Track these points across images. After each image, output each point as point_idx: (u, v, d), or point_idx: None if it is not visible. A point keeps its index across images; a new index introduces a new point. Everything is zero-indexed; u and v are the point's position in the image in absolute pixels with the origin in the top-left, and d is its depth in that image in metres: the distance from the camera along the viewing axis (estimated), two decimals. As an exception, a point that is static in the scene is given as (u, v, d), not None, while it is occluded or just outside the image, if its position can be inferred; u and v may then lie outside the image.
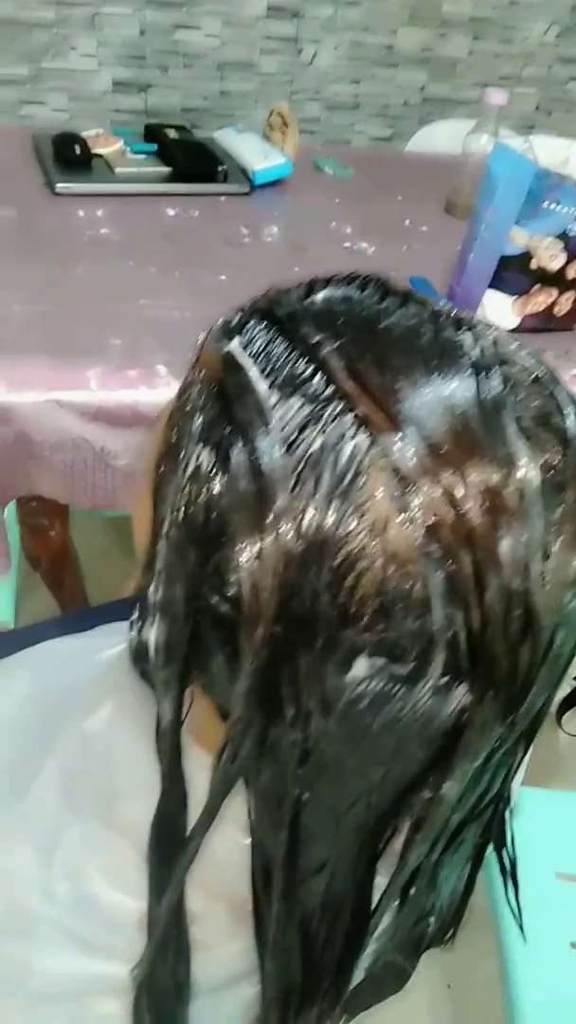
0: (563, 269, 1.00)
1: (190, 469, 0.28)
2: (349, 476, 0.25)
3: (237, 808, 0.32)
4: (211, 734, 0.32)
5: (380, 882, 0.34)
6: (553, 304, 1.04)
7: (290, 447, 0.26)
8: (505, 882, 0.43)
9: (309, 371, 0.27)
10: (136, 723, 0.34)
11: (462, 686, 0.27)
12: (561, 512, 0.27)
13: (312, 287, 0.31)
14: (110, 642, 0.53)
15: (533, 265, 0.99)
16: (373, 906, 0.34)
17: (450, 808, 0.30)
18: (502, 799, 0.37)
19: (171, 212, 1.16)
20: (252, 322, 0.30)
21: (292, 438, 0.26)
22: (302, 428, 0.26)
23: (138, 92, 1.90)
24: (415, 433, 0.26)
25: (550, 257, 0.99)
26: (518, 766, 0.34)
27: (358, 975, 0.39)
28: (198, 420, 0.29)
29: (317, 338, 0.28)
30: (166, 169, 1.24)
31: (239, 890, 0.34)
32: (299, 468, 0.26)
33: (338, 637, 0.26)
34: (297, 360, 0.28)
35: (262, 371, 0.28)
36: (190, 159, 1.25)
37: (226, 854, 0.35)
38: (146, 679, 0.32)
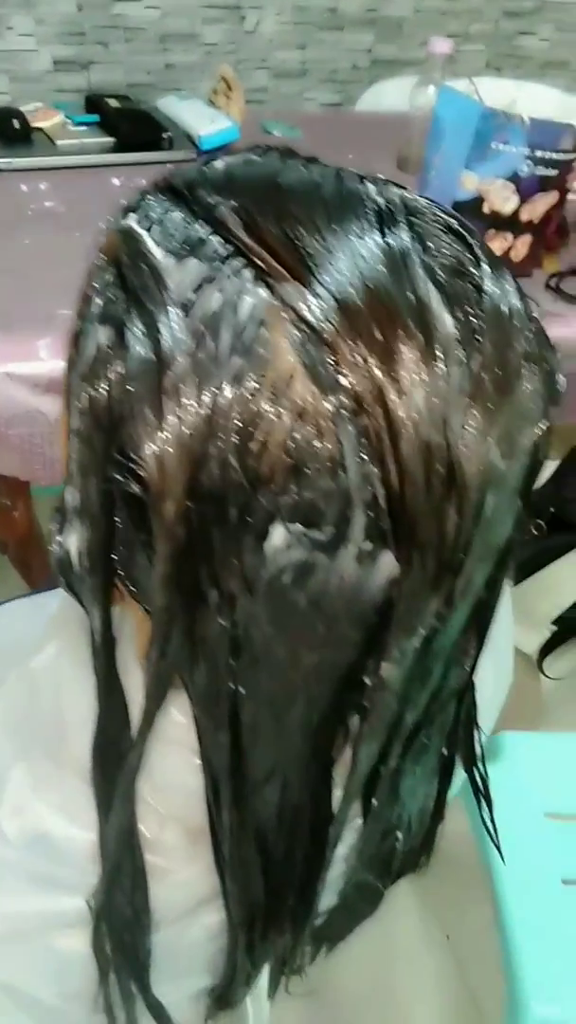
0: (516, 212, 0.99)
1: (91, 351, 0.27)
2: (250, 331, 0.24)
3: (187, 732, 0.32)
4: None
5: (341, 797, 0.33)
6: (509, 249, 1.03)
7: (187, 309, 0.25)
8: (479, 801, 0.42)
9: (206, 232, 0.26)
10: (83, 657, 0.33)
11: (387, 554, 0.26)
12: (479, 363, 0.26)
13: (213, 159, 0.30)
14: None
15: (486, 209, 0.98)
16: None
17: (395, 697, 0.29)
18: (463, 704, 0.36)
19: (116, 182, 1.14)
20: (150, 197, 0.29)
21: (189, 300, 0.25)
22: (199, 288, 0.25)
23: (80, 70, 1.86)
24: (318, 283, 0.24)
25: (502, 200, 0.98)
26: (473, 663, 0.33)
27: (330, 898, 0.38)
28: (97, 302, 0.27)
29: (214, 200, 0.27)
30: (109, 139, 1.21)
31: (193, 813, 0.34)
32: (198, 329, 0.24)
33: (251, 505, 0.25)
34: (194, 223, 0.27)
35: (158, 240, 0.26)
36: (133, 128, 1.22)
37: (177, 777, 0.34)
38: (75, 594, 0.31)
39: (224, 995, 0.41)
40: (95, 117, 1.26)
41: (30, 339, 0.83)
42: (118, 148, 1.20)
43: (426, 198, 0.29)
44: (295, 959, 0.41)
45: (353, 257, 0.25)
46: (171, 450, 0.24)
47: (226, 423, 0.24)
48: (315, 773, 0.33)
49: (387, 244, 0.26)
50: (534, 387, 0.27)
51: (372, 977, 1.05)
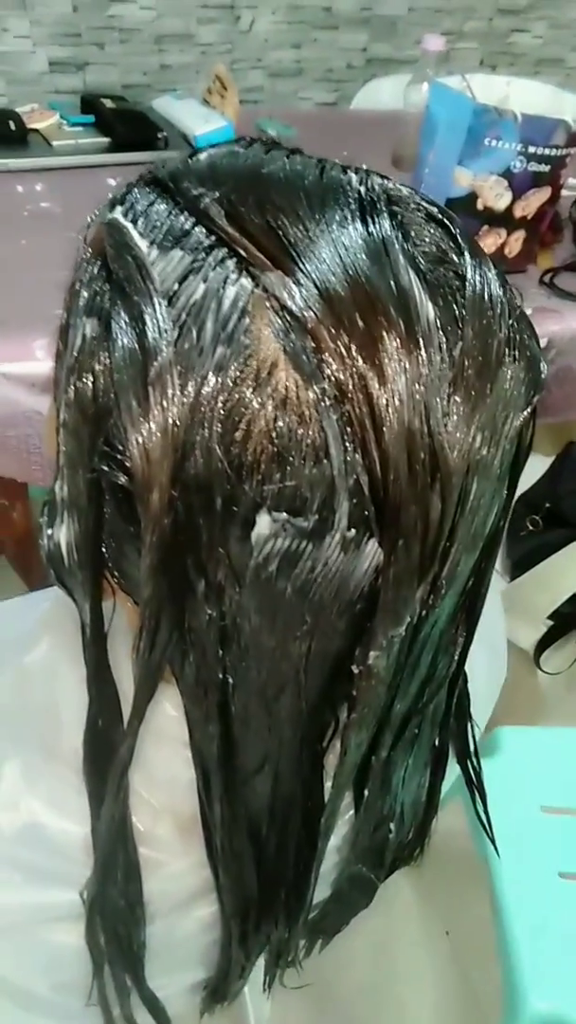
0: (510, 208, 0.99)
1: (77, 343, 0.27)
2: (233, 320, 0.24)
3: (180, 725, 0.32)
4: None
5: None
6: (503, 245, 1.03)
7: (172, 300, 0.25)
8: (472, 793, 0.43)
9: (190, 223, 0.26)
10: (75, 652, 0.33)
11: (372, 541, 0.26)
12: (461, 349, 0.26)
13: (197, 152, 0.30)
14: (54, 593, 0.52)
15: (479, 206, 0.98)
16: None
17: (384, 686, 0.30)
18: (453, 695, 0.36)
19: (112, 182, 1.14)
20: (136, 189, 0.29)
21: (173, 290, 0.25)
22: (183, 279, 0.25)
23: (76, 71, 1.86)
24: (301, 272, 0.25)
25: (496, 196, 0.98)
26: (463, 653, 0.34)
27: (324, 890, 0.39)
28: (84, 294, 0.28)
29: (198, 191, 0.27)
30: (104, 140, 1.22)
31: (187, 806, 0.34)
32: (182, 319, 0.25)
33: (236, 494, 0.25)
34: (178, 215, 0.27)
35: (142, 231, 0.27)
36: (129, 128, 1.23)
37: (170, 770, 0.34)
38: (66, 588, 0.31)
39: (219, 988, 0.41)
40: (91, 118, 1.26)
41: (26, 340, 0.83)
42: (114, 148, 1.20)
43: (408, 188, 0.29)
44: (289, 952, 0.41)
45: (335, 246, 0.25)
46: (156, 440, 0.24)
47: (210, 412, 0.24)
48: (306, 764, 0.33)
49: (369, 233, 0.26)
50: (517, 374, 0.27)
51: (371, 972, 1.05)
